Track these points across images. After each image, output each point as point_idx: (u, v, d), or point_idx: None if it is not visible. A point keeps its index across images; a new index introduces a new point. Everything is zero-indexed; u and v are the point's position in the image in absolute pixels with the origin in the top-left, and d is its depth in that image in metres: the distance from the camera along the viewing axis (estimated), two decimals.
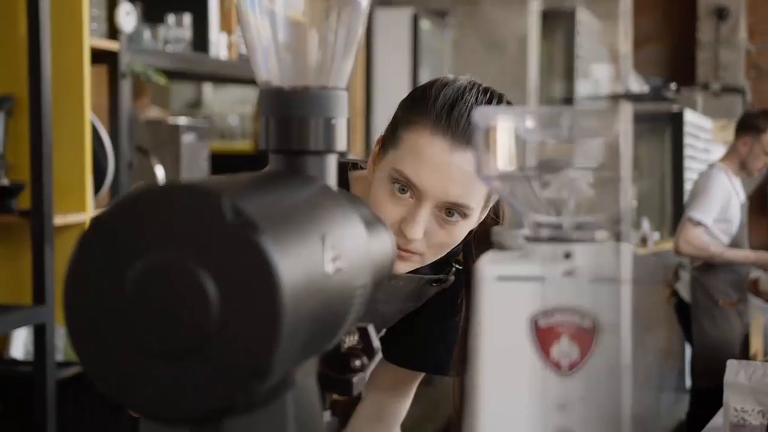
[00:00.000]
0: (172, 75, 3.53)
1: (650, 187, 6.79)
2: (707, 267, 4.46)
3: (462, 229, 1.30)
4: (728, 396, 1.91)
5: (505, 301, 0.67)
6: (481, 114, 0.70)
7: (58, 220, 2.51)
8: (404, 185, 1.27)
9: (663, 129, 7.03)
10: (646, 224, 6.33)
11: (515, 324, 0.67)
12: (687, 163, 7.09)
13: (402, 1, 5.78)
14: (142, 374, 0.61)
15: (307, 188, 0.74)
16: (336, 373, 0.84)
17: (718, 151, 8.42)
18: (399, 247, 1.27)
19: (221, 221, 0.59)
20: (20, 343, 2.94)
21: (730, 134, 8.32)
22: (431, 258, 1.32)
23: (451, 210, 1.27)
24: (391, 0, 5.85)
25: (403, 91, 1.88)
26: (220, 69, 3.49)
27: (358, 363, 0.85)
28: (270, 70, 0.78)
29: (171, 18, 3.23)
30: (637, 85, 6.77)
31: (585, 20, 7.39)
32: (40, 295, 2.47)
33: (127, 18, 2.78)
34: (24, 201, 2.49)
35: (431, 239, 1.29)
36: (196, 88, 6.46)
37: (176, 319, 0.60)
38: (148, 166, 3.10)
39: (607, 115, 0.69)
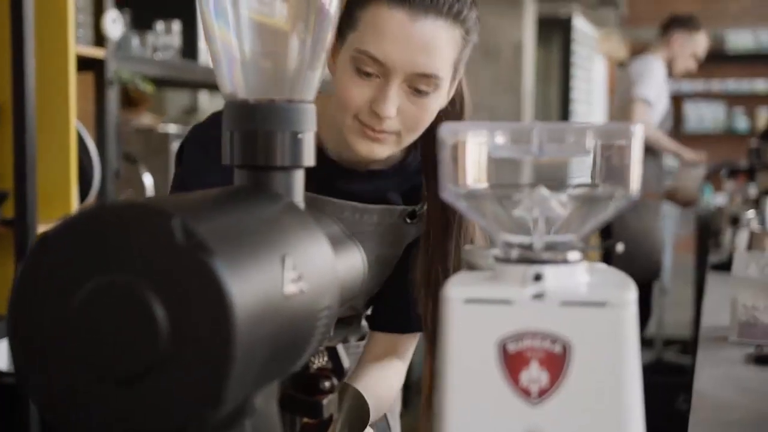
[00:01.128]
0: (161, 82, 3.50)
1: (539, 93, 6.74)
2: None
3: (434, 102, 1.29)
4: (737, 291, 1.75)
5: (473, 324, 0.65)
6: (448, 129, 0.67)
7: (43, 229, 2.47)
8: (369, 65, 1.25)
9: (551, 33, 6.99)
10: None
11: (483, 348, 0.64)
12: (571, 71, 7.07)
13: None
14: (89, 400, 0.58)
15: (271, 206, 0.72)
16: (305, 395, 0.81)
17: (599, 62, 8.40)
18: (373, 129, 1.27)
19: (171, 242, 0.57)
20: (3, 354, 2.91)
21: (611, 45, 8.30)
22: (408, 138, 1.30)
23: (420, 86, 1.26)
24: None
25: None
26: (210, 76, 3.45)
27: (327, 384, 0.82)
28: (235, 82, 0.76)
29: (160, 25, 3.20)
30: None
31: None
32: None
33: (114, 25, 2.75)
34: (7, 210, 2.45)
35: (405, 116, 1.27)
36: (192, 94, 6.43)
37: (124, 343, 0.57)
38: (136, 174, 3.07)
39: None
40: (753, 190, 3.79)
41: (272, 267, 0.63)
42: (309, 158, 0.76)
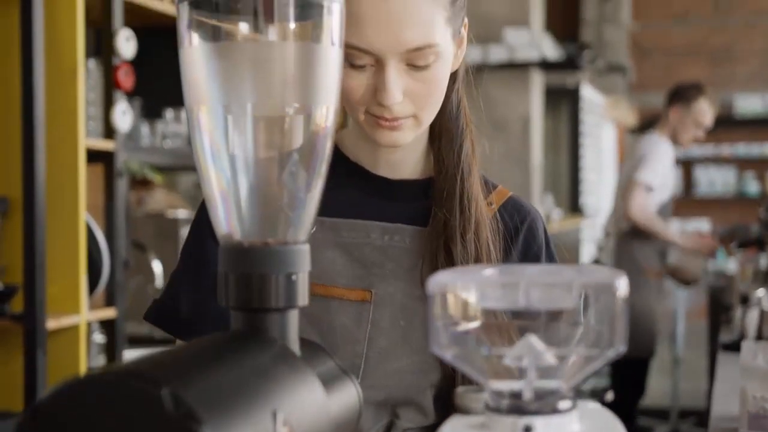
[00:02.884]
0: (170, 168, 3.54)
1: (548, 162, 6.74)
2: (634, 235, 4.44)
3: (440, 71, 1.20)
4: (745, 382, 1.69)
5: None
6: (436, 282, 0.68)
7: (52, 323, 2.48)
8: (358, 58, 1.16)
9: (559, 103, 7.01)
10: (549, 200, 6.22)
11: None
12: (580, 139, 7.10)
13: None
14: None
15: (263, 354, 0.72)
16: None
17: (608, 128, 8.48)
18: (386, 119, 1.19)
19: (161, 413, 0.57)
20: None
21: (620, 112, 8.38)
22: (426, 116, 1.22)
23: (418, 62, 1.17)
24: None
25: None
26: None
27: None
28: (230, 225, 0.77)
29: (169, 113, 3.25)
30: (551, 50, 6.25)
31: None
32: (32, 401, 2.44)
33: (124, 117, 2.78)
34: (17, 304, 2.47)
35: (414, 96, 1.19)
36: None
37: None
38: (145, 262, 3.09)
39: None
40: (764, 261, 3.77)
41: (263, 425, 0.63)
42: (303, 298, 0.77)
